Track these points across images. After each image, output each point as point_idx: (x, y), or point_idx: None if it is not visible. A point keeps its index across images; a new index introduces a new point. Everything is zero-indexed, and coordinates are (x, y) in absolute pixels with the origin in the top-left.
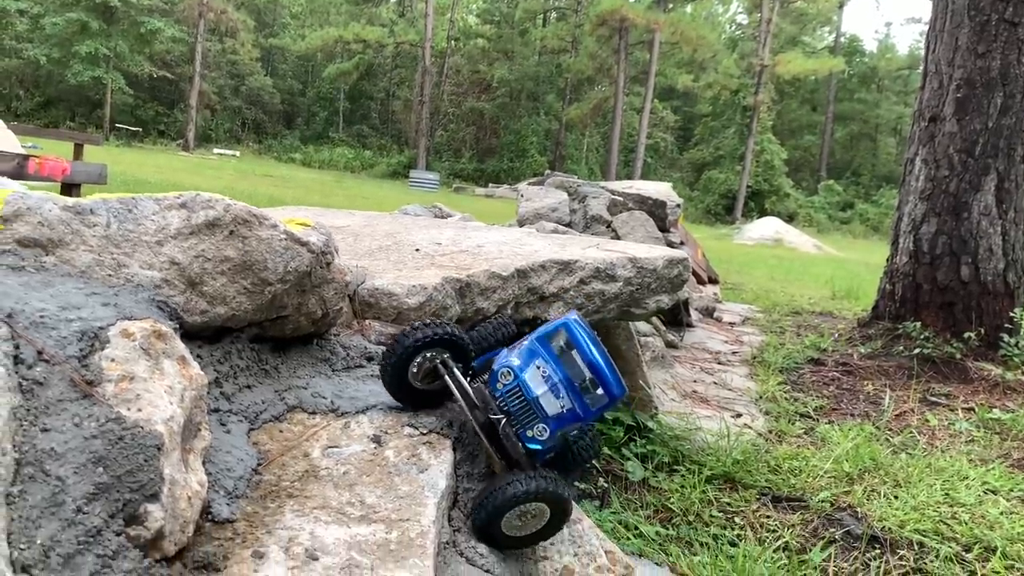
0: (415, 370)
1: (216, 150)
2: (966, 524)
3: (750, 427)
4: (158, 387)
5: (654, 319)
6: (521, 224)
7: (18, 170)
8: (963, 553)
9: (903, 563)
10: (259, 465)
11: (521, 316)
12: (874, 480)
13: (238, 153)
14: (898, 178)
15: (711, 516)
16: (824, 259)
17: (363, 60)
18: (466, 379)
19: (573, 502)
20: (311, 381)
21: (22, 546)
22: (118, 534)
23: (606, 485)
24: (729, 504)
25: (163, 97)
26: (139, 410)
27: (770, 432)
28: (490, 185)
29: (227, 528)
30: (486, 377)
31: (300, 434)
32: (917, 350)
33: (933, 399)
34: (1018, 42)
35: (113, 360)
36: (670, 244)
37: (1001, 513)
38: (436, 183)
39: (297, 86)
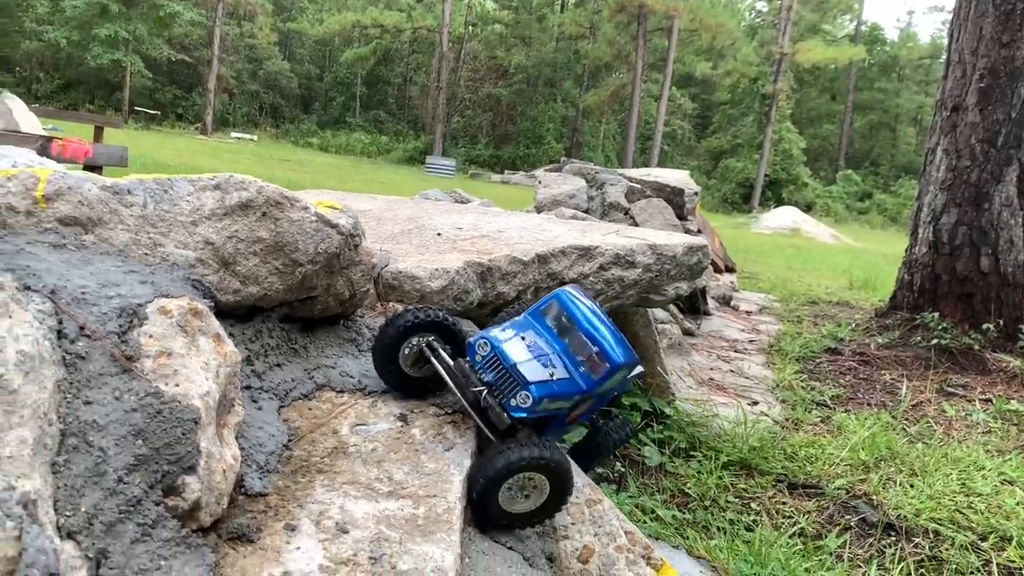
0: (406, 352)
1: (234, 134)
2: (982, 513)
3: (766, 415)
4: (194, 363)
5: (671, 307)
6: (539, 211)
7: (41, 152)
8: (979, 542)
9: (918, 551)
10: (289, 441)
11: None
12: (890, 469)
13: (255, 137)
14: (917, 168)
15: (727, 501)
16: (841, 249)
17: (380, 45)
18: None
19: (572, 472)
20: (339, 361)
21: (68, 513)
22: (157, 504)
23: (623, 469)
24: (745, 490)
25: (181, 81)
26: (176, 385)
27: (786, 420)
28: (506, 172)
29: (259, 501)
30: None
31: (329, 412)
32: (935, 341)
33: (950, 390)
34: None
35: (151, 336)
36: (688, 232)
37: (1017, 503)
38: (452, 169)
39: (315, 71)
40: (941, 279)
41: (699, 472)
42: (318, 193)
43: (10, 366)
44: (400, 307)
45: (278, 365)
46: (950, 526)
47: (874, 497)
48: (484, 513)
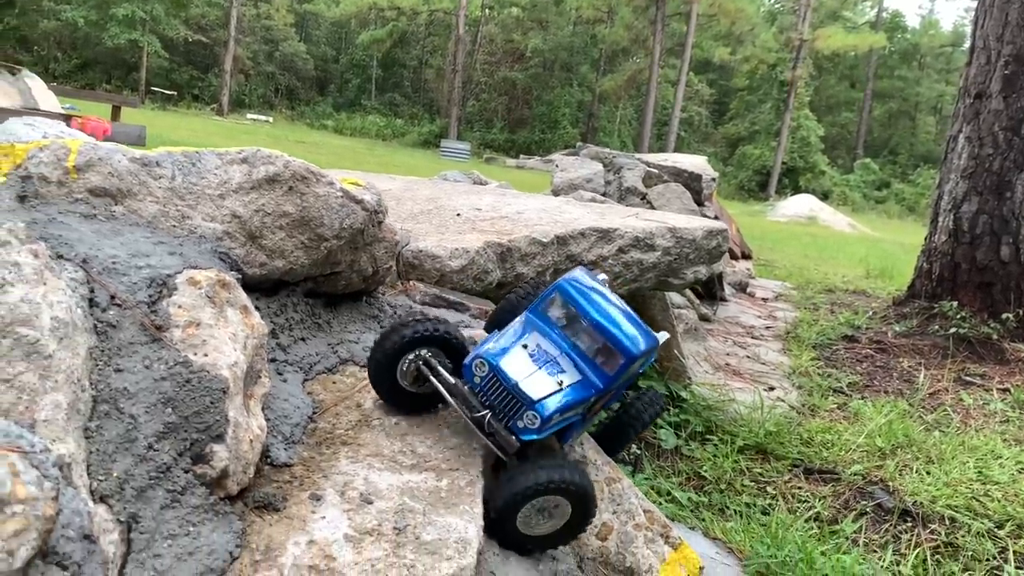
0: (404, 369)
1: (249, 115)
2: (999, 501)
3: (783, 400)
4: (223, 334)
5: (688, 292)
6: (556, 194)
7: None
8: (995, 529)
9: (934, 537)
10: (314, 413)
11: None
12: (906, 456)
13: (271, 119)
14: (937, 158)
15: (743, 485)
16: (858, 238)
17: (396, 27)
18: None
19: (595, 492)
20: (361, 336)
21: (100, 477)
22: (186, 471)
23: (639, 452)
24: (761, 474)
25: (198, 61)
26: (205, 355)
27: (803, 406)
28: (521, 156)
29: (285, 472)
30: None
31: (352, 386)
32: (953, 330)
33: (968, 379)
34: None
35: (180, 307)
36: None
37: None
38: (467, 153)
39: (331, 52)
40: (960, 268)
41: (715, 455)
42: (339, 172)
43: (45, 332)
44: (400, 310)
45: (303, 339)
46: (966, 513)
47: (890, 483)
48: (500, 536)
